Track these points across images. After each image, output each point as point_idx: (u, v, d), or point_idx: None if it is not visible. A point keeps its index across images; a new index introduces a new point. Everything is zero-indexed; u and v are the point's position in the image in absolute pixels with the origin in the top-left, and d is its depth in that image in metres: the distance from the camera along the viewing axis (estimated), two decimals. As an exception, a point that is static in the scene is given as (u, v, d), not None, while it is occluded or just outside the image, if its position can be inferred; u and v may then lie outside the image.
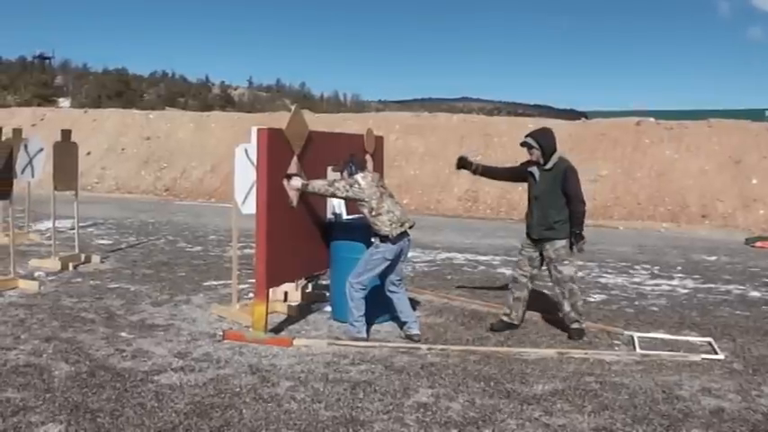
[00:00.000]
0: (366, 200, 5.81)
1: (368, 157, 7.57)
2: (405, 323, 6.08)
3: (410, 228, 5.96)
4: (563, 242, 6.09)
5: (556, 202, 6.05)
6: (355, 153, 6.28)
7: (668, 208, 17.07)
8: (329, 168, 6.67)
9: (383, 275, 6.02)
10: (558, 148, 6.24)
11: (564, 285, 6.13)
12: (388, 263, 5.88)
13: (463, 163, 6.73)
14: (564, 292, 6.15)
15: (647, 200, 17.39)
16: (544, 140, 6.14)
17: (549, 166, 6.11)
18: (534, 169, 6.20)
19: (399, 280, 6.11)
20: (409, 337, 5.98)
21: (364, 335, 5.90)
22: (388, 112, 27.78)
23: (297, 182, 5.98)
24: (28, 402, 4.36)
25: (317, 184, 5.95)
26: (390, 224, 5.78)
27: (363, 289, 5.88)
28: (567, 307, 6.15)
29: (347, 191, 5.84)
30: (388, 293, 6.11)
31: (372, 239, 5.93)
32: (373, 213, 5.81)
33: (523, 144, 6.24)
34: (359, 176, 5.87)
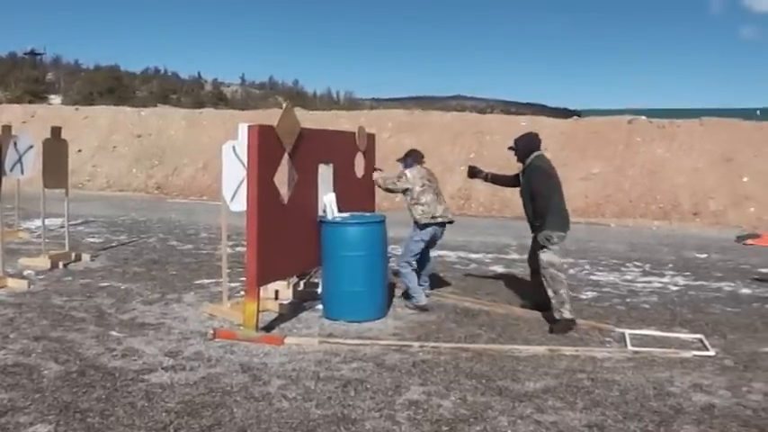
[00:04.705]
0: (410, 188, 6.87)
1: (359, 155, 7.58)
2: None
3: (449, 222, 7.03)
4: (544, 232, 6.37)
5: (531, 202, 6.47)
6: (415, 149, 7.36)
7: (660, 206, 17.11)
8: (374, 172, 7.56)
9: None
10: (541, 149, 6.66)
11: (544, 271, 6.36)
12: (424, 244, 6.94)
13: (474, 171, 7.26)
14: (546, 278, 6.35)
15: (639, 198, 17.42)
16: (521, 142, 6.65)
17: (524, 166, 6.58)
18: (520, 171, 6.69)
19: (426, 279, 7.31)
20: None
21: (425, 301, 6.92)
22: (382, 110, 27.69)
23: (375, 175, 7.48)
24: (16, 403, 4.33)
25: (378, 176, 7.40)
26: (422, 213, 6.80)
27: (409, 265, 6.88)
28: (549, 292, 6.35)
29: (395, 183, 7.01)
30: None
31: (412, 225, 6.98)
32: (412, 202, 6.86)
33: (510, 147, 6.75)
34: (407, 171, 6.97)
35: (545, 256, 6.33)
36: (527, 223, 6.74)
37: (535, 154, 6.52)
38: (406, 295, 7.15)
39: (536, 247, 6.50)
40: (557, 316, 6.30)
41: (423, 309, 6.85)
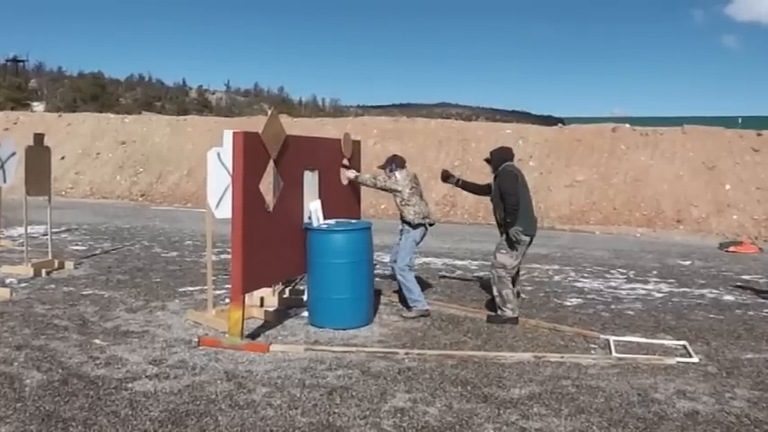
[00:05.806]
0: (400, 190, 7.01)
1: (345, 161, 7.59)
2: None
3: (431, 225, 7.18)
4: (505, 235, 6.81)
5: (501, 204, 6.81)
6: (397, 154, 7.48)
7: (643, 213, 17.24)
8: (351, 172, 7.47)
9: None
10: (513, 162, 7.08)
11: (494, 270, 6.85)
12: (416, 244, 7.11)
13: (446, 175, 7.58)
14: (493, 278, 6.84)
15: (623, 205, 17.55)
16: (495, 154, 7.14)
17: (495, 174, 6.99)
18: (492, 180, 7.09)
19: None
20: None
21: (427, 306, 7.06)
22: (367, 117, 27.77)
23: (351, 173, 7.43)
24: (-2, 411, 4.28)
25: (365, 177, 7.33)
26: (414, 214, 7.00)
27: (411, 268, 7.07)
28: (494, 290, 6.85)
29: (385, 182, 7.12)
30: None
31: (400, 227, 7.16)
32: (403, 203, 7.03)
33: (485, 159, 7.23)
34: (397, 173, 7.11)
35: (500, 256, 6.80)
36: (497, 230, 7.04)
37: (507, 163, 6.98)
38: (404, 302, 7.20)
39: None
40: (498, 312, 6.83)
41: (425, 314, 6.96)
